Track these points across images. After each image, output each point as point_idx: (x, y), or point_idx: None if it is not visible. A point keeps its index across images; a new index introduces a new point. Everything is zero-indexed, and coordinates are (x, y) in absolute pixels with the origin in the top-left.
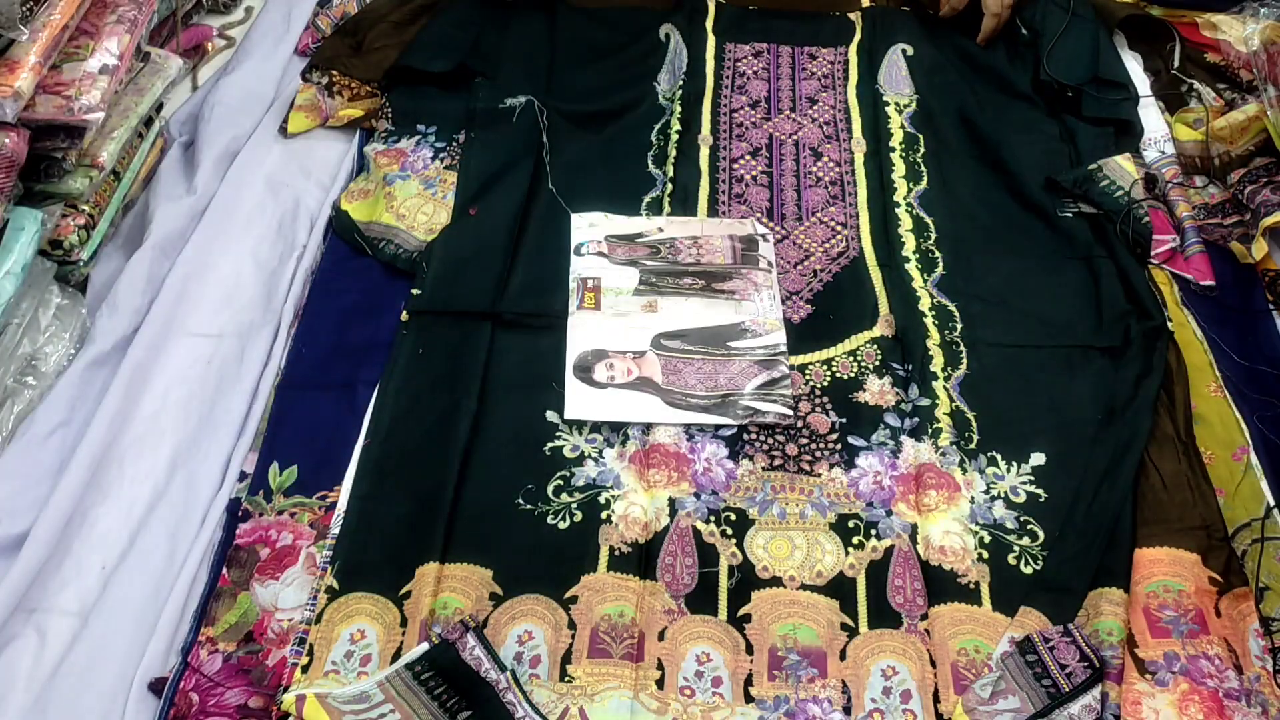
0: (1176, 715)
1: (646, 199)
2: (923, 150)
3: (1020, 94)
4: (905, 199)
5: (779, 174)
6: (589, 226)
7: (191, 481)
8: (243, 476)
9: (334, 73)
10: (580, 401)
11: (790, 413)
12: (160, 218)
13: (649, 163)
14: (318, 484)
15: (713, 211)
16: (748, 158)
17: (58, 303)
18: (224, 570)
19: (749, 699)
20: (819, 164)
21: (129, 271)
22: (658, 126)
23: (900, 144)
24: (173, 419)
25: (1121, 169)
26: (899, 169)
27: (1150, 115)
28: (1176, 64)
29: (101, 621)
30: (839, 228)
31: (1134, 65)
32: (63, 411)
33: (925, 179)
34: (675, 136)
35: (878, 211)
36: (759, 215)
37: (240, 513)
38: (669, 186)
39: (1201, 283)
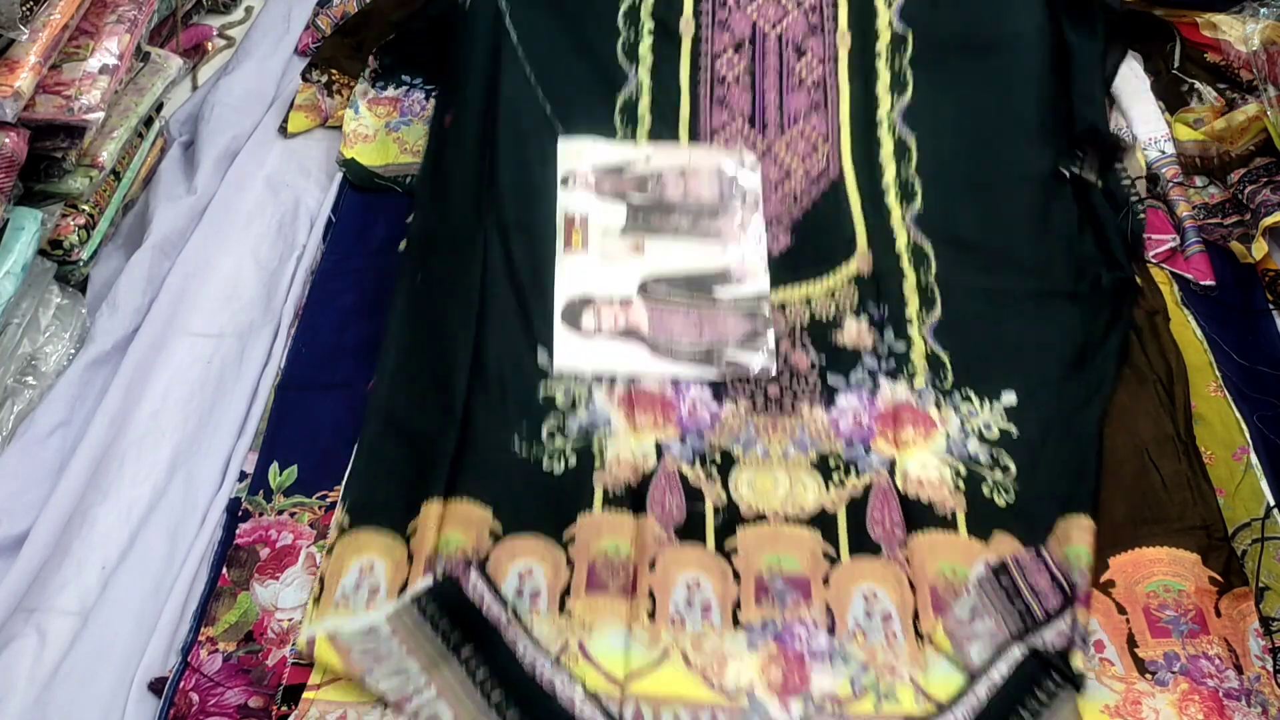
0: (1176, 715)
1: (620, 100)
2: (910, 53)
3: None
4: (889, 115)
5: (761, 74)
6: (576, 155)
7: (191, 481)
8: (243, 476)
9: (334, 72)
10: (569, 351)
11: (772, 366)
12: (160, 218)
13: (619, 52)
14: (318, 484)
15: (695, 118)
16: (730, 53)
17: (58, 303)
18: (224, 570)
19: (737, 623)
20: (802, 62)
21: (129, 271)
22: (623, 9)
23: (887, 46)
24: (173, 419)
25: (1136, 161)
26: (883, 79)
27: (1150, 115)
28: (1176, 64)
29: (101, 621)
30: (820, 142)
31: (1134, 65)
32: (63, 411)
33: (910, 90)
34: (649, 35)
35: (859, 128)
36: (742, 121)
37: (240, 513)
38: (645, 96)
39: (1202, 282)
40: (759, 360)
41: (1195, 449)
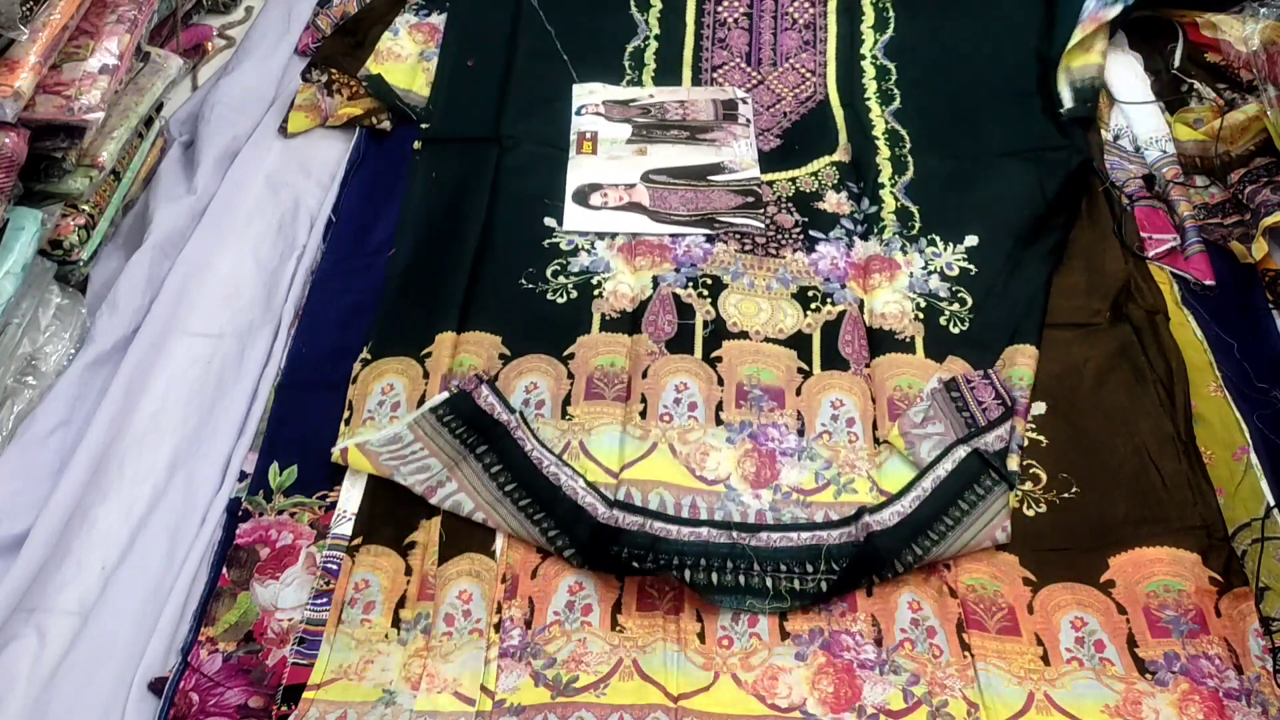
0: (1176, 715)
1: (629, 48)
2: None
3: None
4: (871, 50)
5: (758, 15)
6: (588, 94)
7: (191, 481)
8: (243, 476)
9: (333, 72)
10: (577, 217)
11: (761, 225)
12: (160, 218)
13: (630, 4)
14: (318, 484)
15: (697, 57)
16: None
17: (58, 303)
18: (224, 570)
19: (719, 421)
20: (795, 5)
21: (129, 271)
22: None
23: None
24: (173, 419)
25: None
26: (868, 19)
27: (1150, 115)
28: (1177, 64)
29: (101, 621)
30: (809, 75)
31: (1134, 65)
32: (63, 411)
33: (892, 27)
34: None
35: (844, 61)
36: (740, 59)
37: (240, 513)
38: (653, 43)
39: (1202, 282)
40: (749, 221)
41: (1195, 449)
